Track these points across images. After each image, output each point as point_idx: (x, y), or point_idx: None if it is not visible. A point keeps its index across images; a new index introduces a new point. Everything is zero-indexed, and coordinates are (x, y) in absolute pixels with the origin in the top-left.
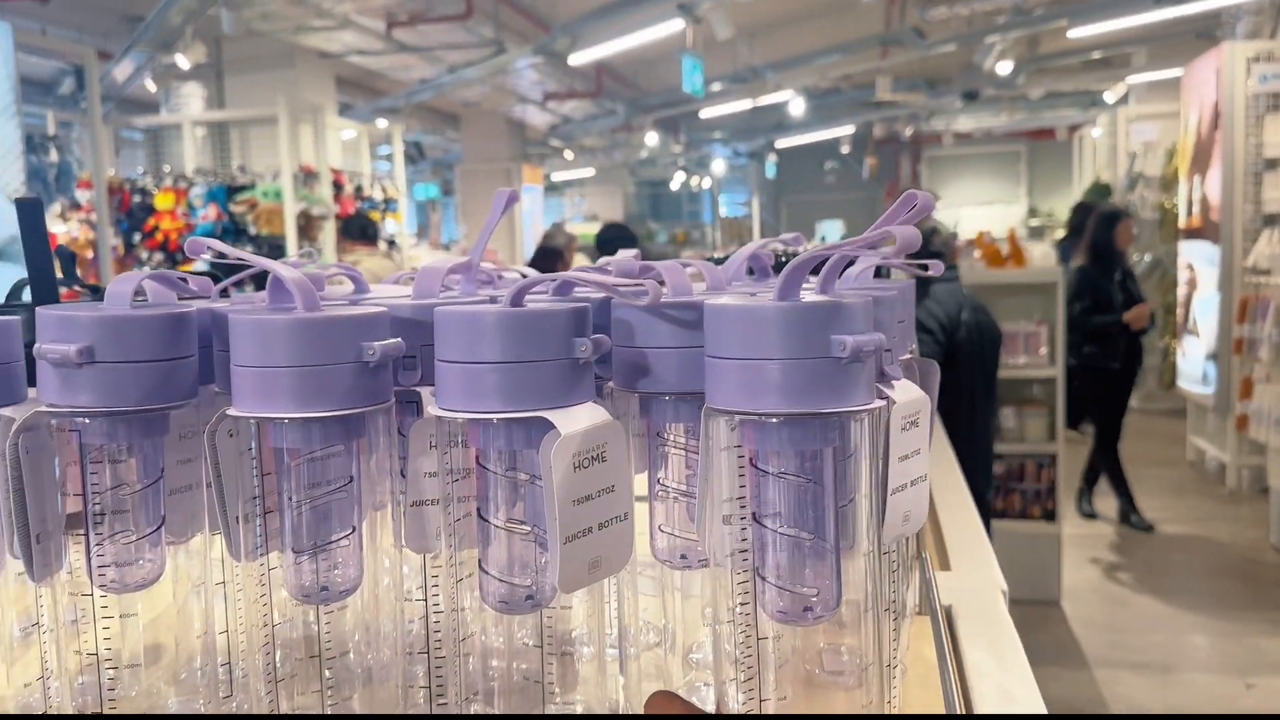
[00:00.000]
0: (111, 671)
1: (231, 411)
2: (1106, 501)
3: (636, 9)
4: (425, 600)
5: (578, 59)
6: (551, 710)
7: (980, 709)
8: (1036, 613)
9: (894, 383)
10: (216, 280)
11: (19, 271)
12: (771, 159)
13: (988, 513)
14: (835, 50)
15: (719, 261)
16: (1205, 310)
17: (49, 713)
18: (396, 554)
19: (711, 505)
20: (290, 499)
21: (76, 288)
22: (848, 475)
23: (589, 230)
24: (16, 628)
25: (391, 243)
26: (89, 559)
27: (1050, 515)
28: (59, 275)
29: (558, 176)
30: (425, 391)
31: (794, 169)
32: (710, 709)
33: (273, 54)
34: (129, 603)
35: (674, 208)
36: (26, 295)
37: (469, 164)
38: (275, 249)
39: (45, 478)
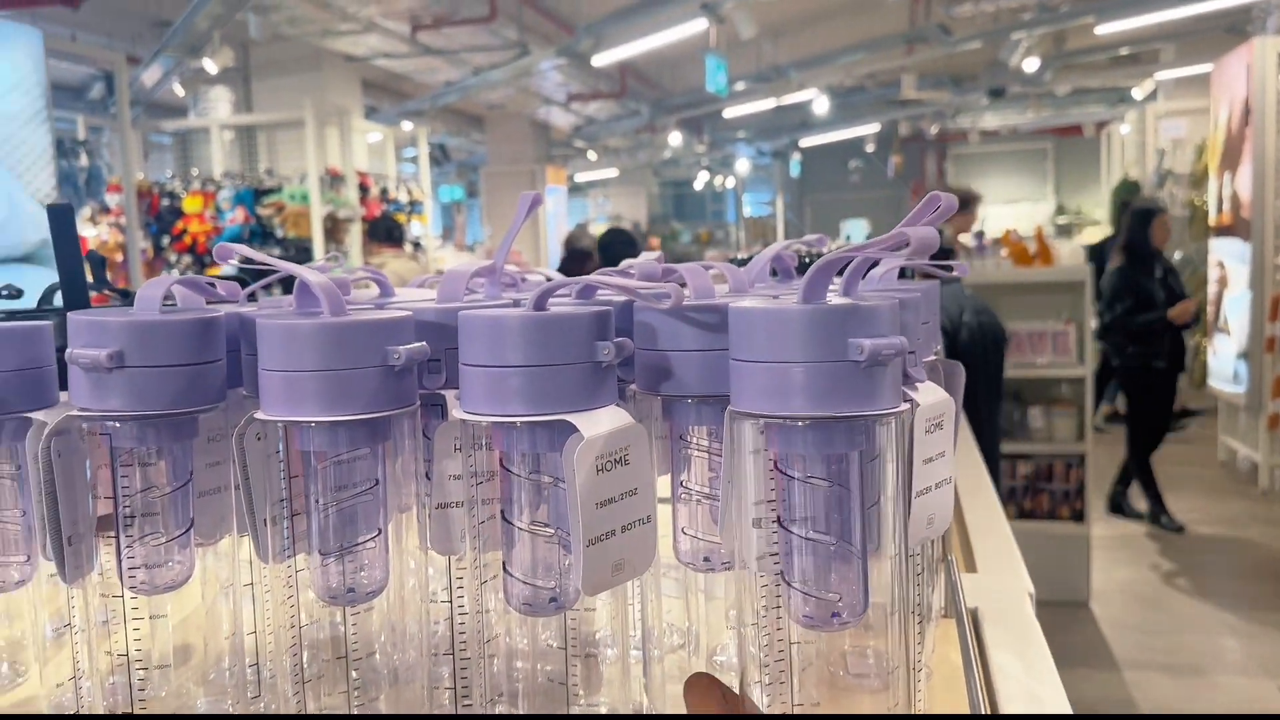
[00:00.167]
0: (141, 672)
1: (259, 415)
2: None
3: (659, 9)
4: (450, 602)
5: (601, 60)
6: (578, 710)
7: (1006, 712)
8: (1065, 614)
9: (918, 385)
10: (244, 285)
11: (49, 275)
12: (795, 158)
13: None
14: (860, 48)
15: (742, 263)
16: (1236, 308)
17: (80, 713)
18: (422, 556)
19: (736, 509)
20: (317, 501)
21: (106, 292)
22: (873, 479)
23: None
24: (49, 628)
25: (417, 245)
26: (119, 561)
27: (1079, 516)
28: (89, 280)
29: (581, 177)
30: (450, 394)
31: (818, 168)
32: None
33: (299, 58)
34: (158, 604)
35: (698, 208)
36: (58, 299)
37: (493, 166)
38: (302, 251)
39: (77, 480)
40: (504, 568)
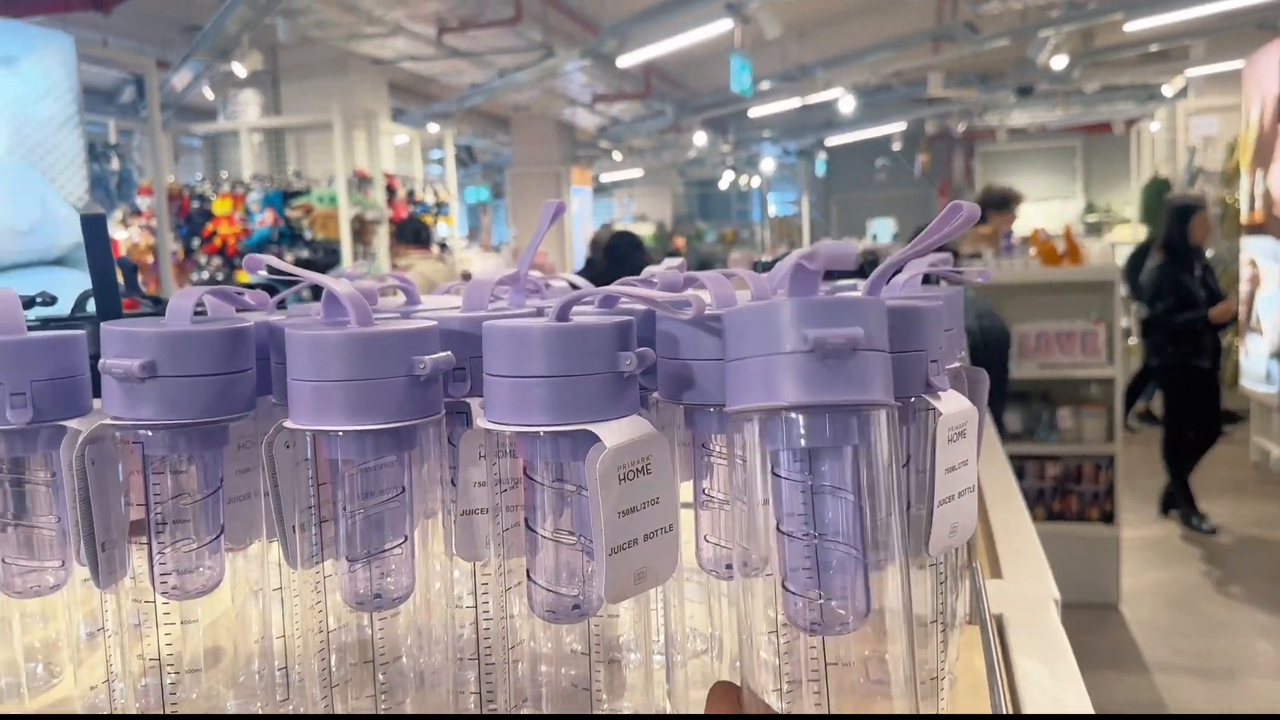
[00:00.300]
0: (173, 675)
1: (288, 424)
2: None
3: (684, 10)
4: (475, 607)
5: (626, 61)
6: (602, 714)
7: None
8: (1094, 617)
9: (940, 394)
10: (273, 292)
11: (82, 278)
12: (821, 157)
13: None
14: (886, 46)
15: (766, 266)
16: (1269, 307)
17: (114, 713)
18: (447, 561)
19: (749, 515)
20: (344, 508)
21: (137, 298)
22: (871, 479)
23: (638, 231)
24: (83, 630)
25: (443, 246)
26: (151, 566)
27: (1108, 517)
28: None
29: (606, 178)
30: (474, 403)
31: (844, 167)
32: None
33: (327, 61)
34: (189, 608)
35: (723, 207)
36: (89, 305)
37: (519, 167)
38: (330, 253)
39: (110, 487)
40: (528, 575)
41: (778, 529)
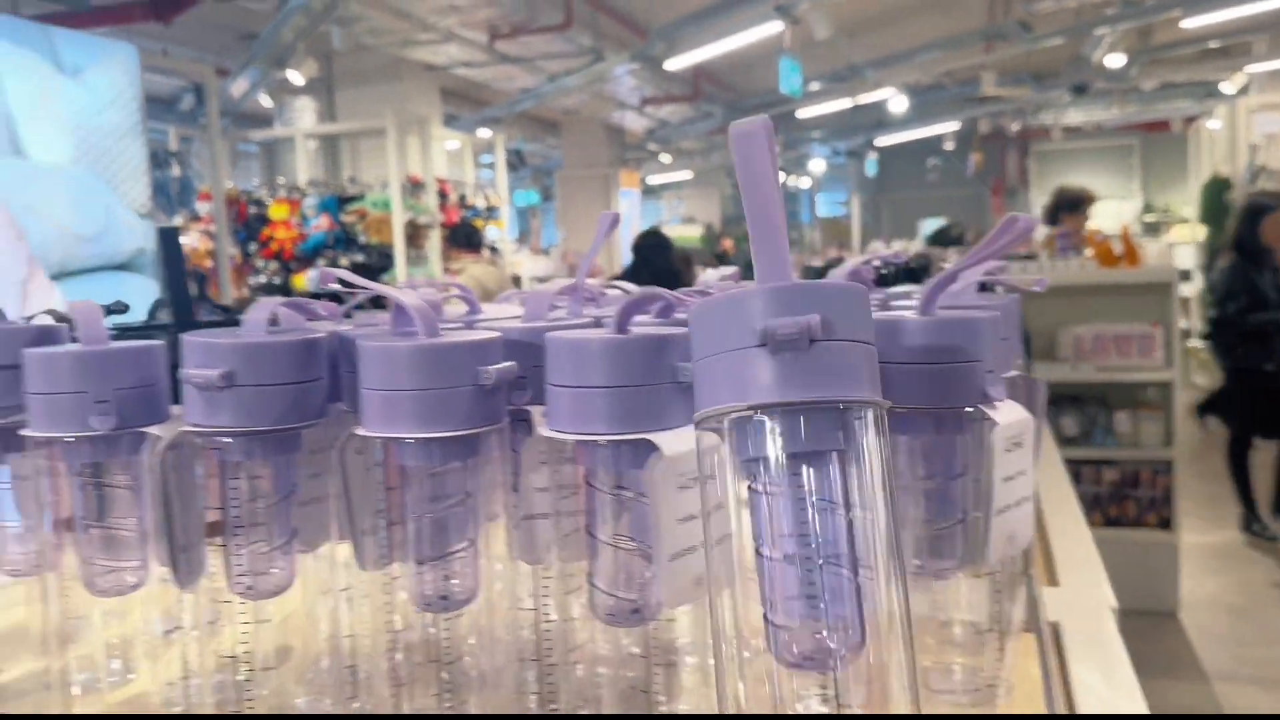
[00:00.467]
0: (247, 672)
1: (360, 431)
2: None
3: (733, 12)
4: (536, 609)
5: (675, 64)
6: (660, 716)
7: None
8: (1152, 624)
9: (996, 404)
10: (338, 301)
11: (145, 282)
12: (872, 157)
13: None
14: (937, 46)
15: (818, 272)
16: None
17: (190, 711)
18: (509, 565)
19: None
20: (412, 512)
21: (206, 306)
22: (861, 486)
23: (686, 233)
24: (159, 628)
25: (494, 249)
26: (228, 567)
27: (1166, 523)
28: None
29: (654, 180)
30: (536, 410)
31: (895, 167)
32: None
33: (381, 68)
34: (263, 608)
35: None
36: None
37: (568, 170)
38: (384, 257)
39: (189, 491)
40: (589, 579)
41: (756, 552)
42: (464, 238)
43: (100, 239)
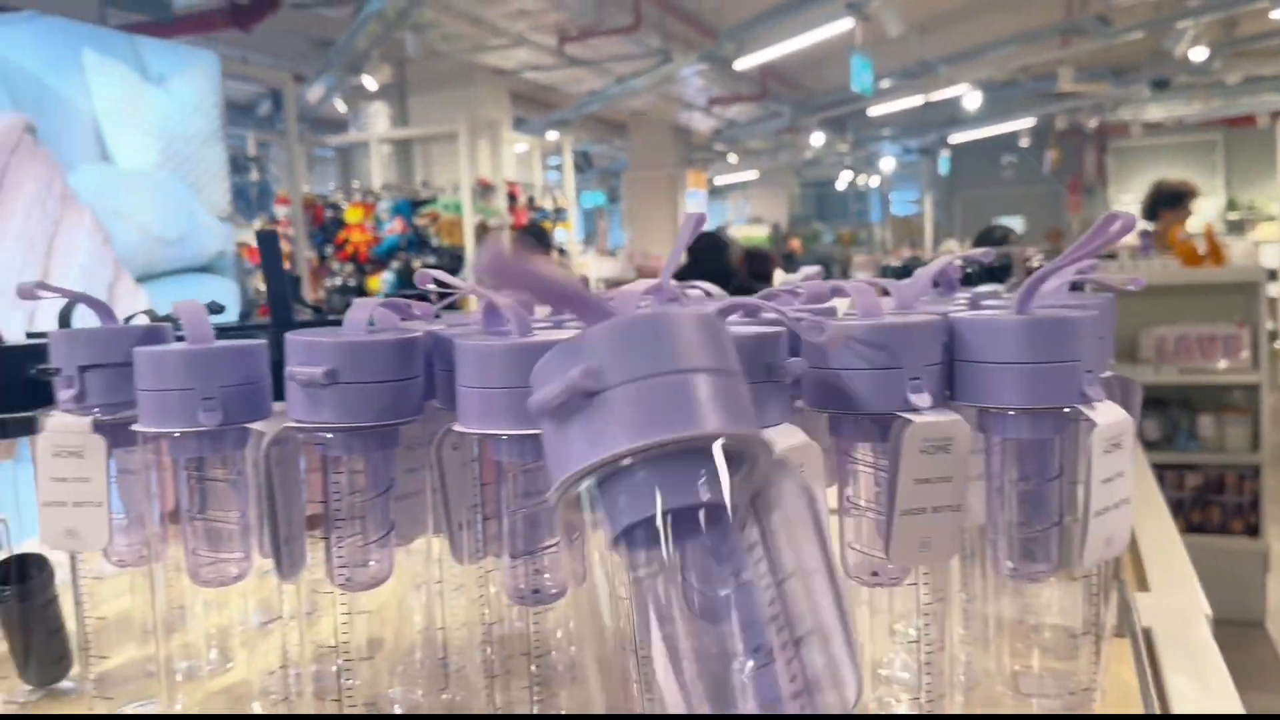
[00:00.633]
0: (348, 661)
1: (456, 428)
2: None
3: (803, 10)
4: (630, 599)
5: (743, 64)
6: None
7: None
8: (1237, 634)
9: (1095, 404)
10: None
11: (225, 284)
12: (944, 155)
13: None
14: (1012, 41)
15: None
16: None
17: (289, 699)
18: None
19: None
20: (507, 507)
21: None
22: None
23: (752, 233)
24: (256, 620)
25: (562, 251)
26: (328, 559)
27: (1253, 530)
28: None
29: (721, 180)
30: None
31: (968, 164)
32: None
33: (452, 73)
34: (360, 599)
35: (840, 207)
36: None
37: (635, 171)
38: (455, 259)
39: (292, 485)
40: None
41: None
42: (533, 239)
43: (183, 242)
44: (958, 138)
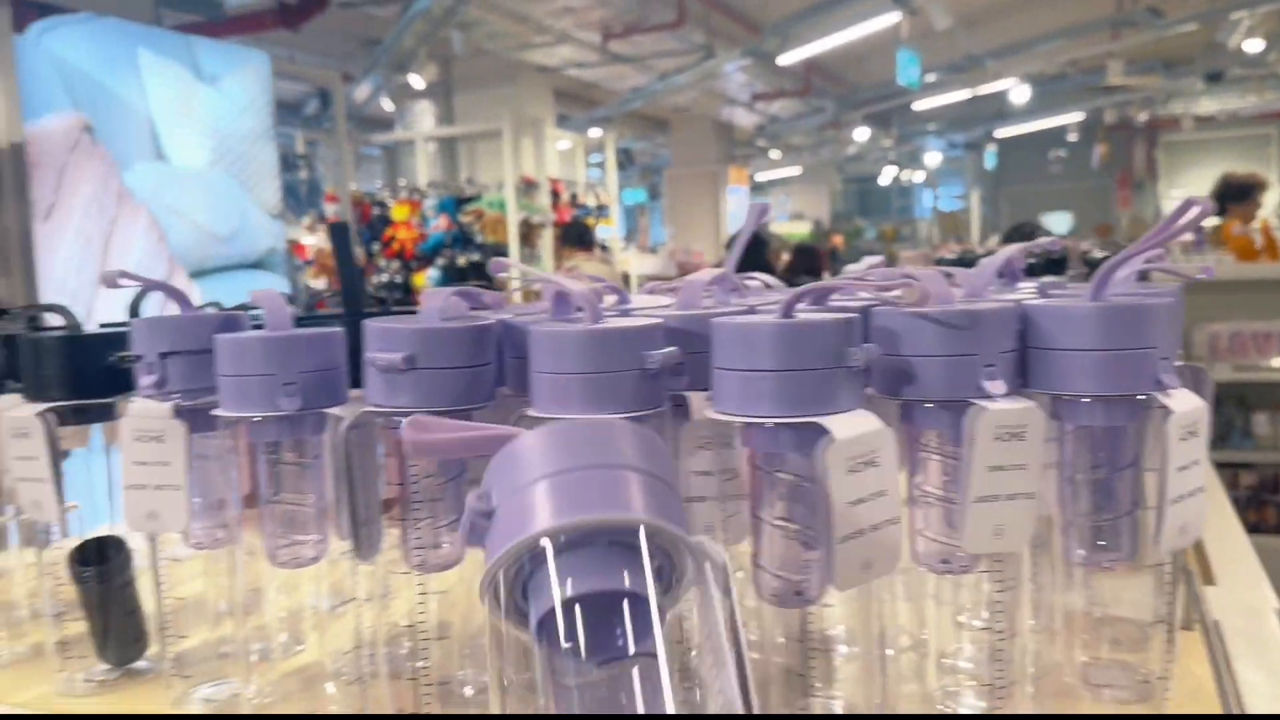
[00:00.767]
0: (424, 643)
1: (530, 413)
2: None
3: (848, 4)
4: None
5: (787, 59)
6: (816, 705)
7: None
8: None
9: (1171, 391)
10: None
11: (276, 280)
12: (991, 149)
13: None
14: (1061, 34)
15: (957, 262)
16: None
17: (362, 679)
18: None
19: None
20: None
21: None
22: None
23: (794, 230)
24: (326, 603)
25: (604, 247)
26: (404, 541)
27: None
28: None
29: (763, 176)
30: (692, 396)
31: (1015, 159)
32: (964, 713)
33: (497, 71)
34: (432, 582)
35: (883, 203)
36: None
37: (677, 168)
38: (498, 255)
39: (369, 469)
40: (753, 561)
41: None
42: (576, 236)
43: (235, 239)
44: (1004, 132)
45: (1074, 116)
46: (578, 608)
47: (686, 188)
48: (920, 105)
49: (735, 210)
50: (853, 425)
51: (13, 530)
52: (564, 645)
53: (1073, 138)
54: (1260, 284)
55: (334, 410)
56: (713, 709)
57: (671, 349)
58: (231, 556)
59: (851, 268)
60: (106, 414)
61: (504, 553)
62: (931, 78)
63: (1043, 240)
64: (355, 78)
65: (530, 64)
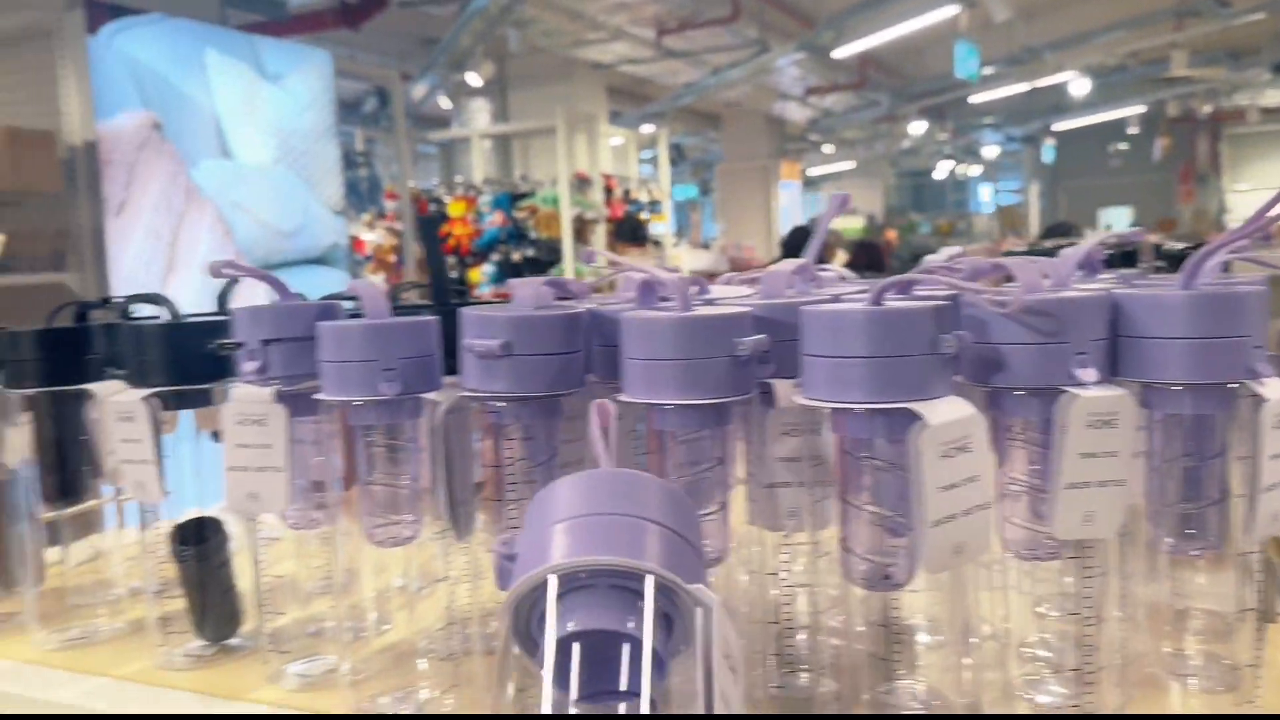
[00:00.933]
0: None
1: (622, 398)
2: None
3: None
4: (776, 574)
5: (842, 52)
6: (898, 687)
7: None
8: None
9: (1264, 380)
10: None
11: (338, 275)
12: (1049, 143)
13: None
14: (1122, 25)
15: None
16: None
17: (451, 656)
18: (747, 531)
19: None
20: (668, 476)
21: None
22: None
23: (847, 225)
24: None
25: (656, 243)
26: (498, 522)
27: None
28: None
29: (815, 171)
30: (777, 383)
31: (1074, 152)
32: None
33: (552, 68)
34: None
35: (937, 198)
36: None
37: (728, 163)
38: (552, 251)
39: (465, 452)
40: (842, 545)
41: None
42: (629, 232)
43: (299, 234)
44: (1063, 125)
45: (1135, 109)
46: (575, 644)
47: (738, 183)
48: (977, 98)
49: (787, 205)
50: (946, 411)
51: (110, 511)
52: (555, 677)
53: (1133, 130)
54: None
55: (430, 395)
56: None
57: (761, 336)
58: (322, 538)
59: (930, 259)
60: (203, 399)
61: (517, 585)
62: (989, 70)
63: (1127, 230)
64: (413, 76)
65: (584, 61)
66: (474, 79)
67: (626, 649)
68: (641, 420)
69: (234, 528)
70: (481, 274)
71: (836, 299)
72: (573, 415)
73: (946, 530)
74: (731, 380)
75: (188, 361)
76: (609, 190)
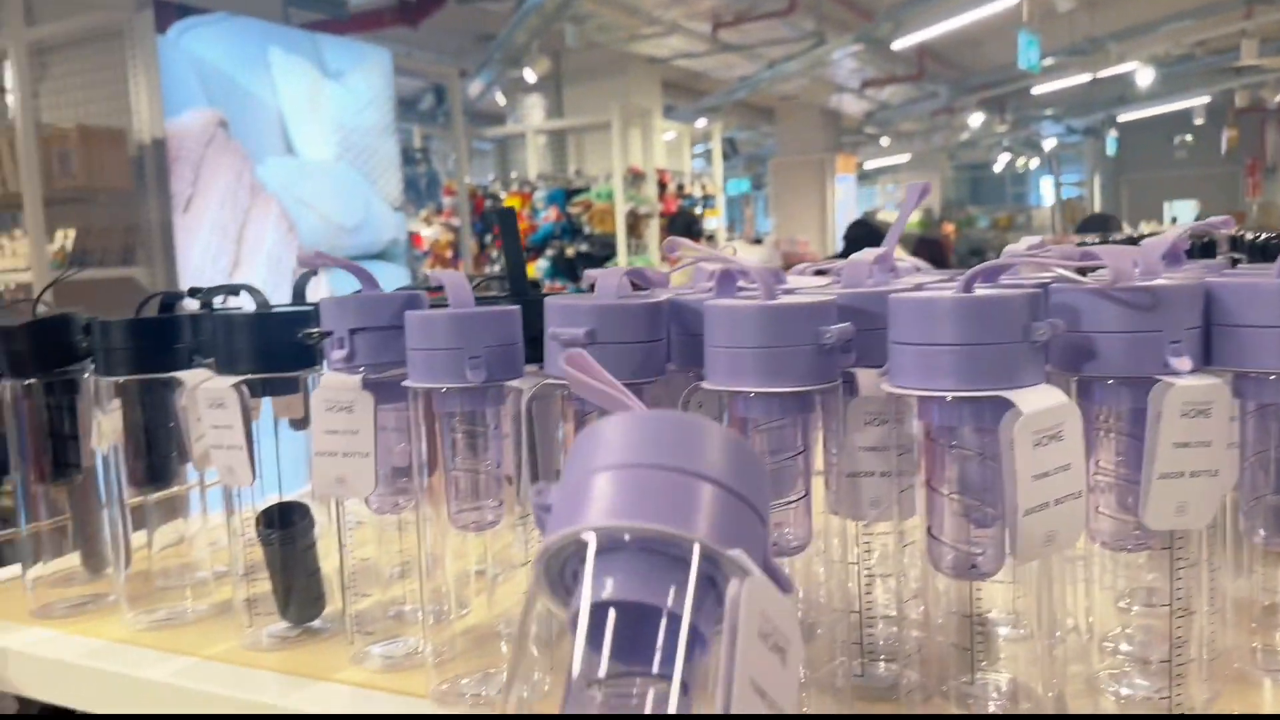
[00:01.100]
0: None
1: (705, 385)
2: None
3: None
4: (858, 564)
5: (902, 44)
6: (979, 680)
7: None
8: None
9: None
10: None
11: (398, 271)
12: (1112, 135)
13: None
14: (1190, 14)
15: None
16: None
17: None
18: (831, 520)
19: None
20: None
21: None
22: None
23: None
24: (494, 569)
25: (710, 238)
26: None
27: None
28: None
29: (872, 164)
30: (860, 372)
31: (1137, 145)
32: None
33: (607, 63)
34: None
35: (996, 191)
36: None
37: (782, 157)
38: (606, 246)
39: (551, 438)
40: (929, 533)
41: None
42: (683, 227)
43: (360, 230)
44: (1126, 116)
45: (1200, 99)
46: (610, 611)
47: (792, 177)
48: (1038, 89)
49: (843, 199)
50: (1039, 399)
51: (194, 497)
52: (586, 646)
53: (1199, 121)
54: None
55: (514, 383)
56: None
57: (845, 324)
58: (402, 523)
59: (1011, 248)
60: (288, 387)
61: (551, 541)
62: (1050, 61)
63: (1213, 219)
64: (469, 73)
65: (639, 55)
66: (530, 75)
67: (663, 622)
68: (723, 409)
69: (317, 512)
70: (536, 269)
71: (921, 288)
72: (653, 403)
73: (1038, 519)
74: (816, 369)
75: (275, 350)
76: (662, 185)
